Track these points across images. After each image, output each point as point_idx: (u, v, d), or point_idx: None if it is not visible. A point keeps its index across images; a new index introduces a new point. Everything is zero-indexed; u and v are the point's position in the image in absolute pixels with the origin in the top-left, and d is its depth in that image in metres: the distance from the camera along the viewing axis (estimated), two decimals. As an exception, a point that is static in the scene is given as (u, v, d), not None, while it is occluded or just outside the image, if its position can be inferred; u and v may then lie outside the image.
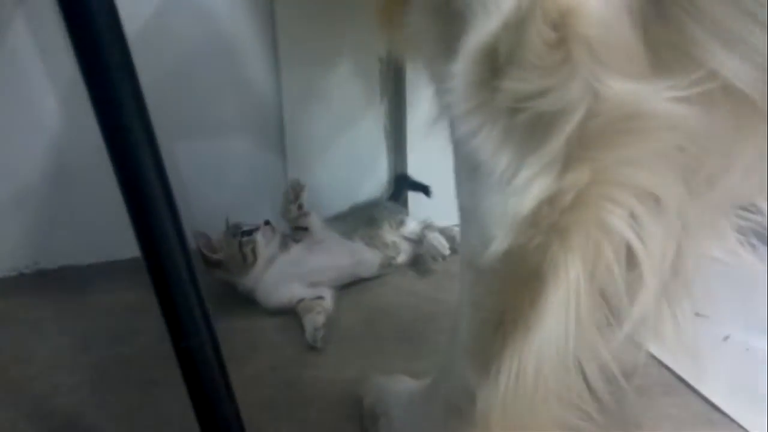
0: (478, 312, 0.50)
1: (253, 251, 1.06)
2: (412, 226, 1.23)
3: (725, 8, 0.37)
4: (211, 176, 1.28)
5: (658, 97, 0.37)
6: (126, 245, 1.20)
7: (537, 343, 0.44)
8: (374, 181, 1.37)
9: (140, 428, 0.80)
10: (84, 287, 1.17)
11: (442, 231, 1.23)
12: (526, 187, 0.40)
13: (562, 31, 0.36)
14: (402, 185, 1.33)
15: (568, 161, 0.39)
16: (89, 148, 1.16)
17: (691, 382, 0.82)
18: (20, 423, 0.82)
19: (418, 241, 1.22)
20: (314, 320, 0.98)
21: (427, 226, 1.24)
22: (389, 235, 1.20)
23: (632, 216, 0.41)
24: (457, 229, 1.22)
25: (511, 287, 0.45)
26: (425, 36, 0.50)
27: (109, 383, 0.89)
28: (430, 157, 1.27)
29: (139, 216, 0.53)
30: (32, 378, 0.91)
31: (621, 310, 0.44)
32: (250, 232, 1.07)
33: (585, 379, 0.48)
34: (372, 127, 1.34)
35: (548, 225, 0.41)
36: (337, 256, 1.12)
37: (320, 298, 1.04)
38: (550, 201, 0.40)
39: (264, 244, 1.08)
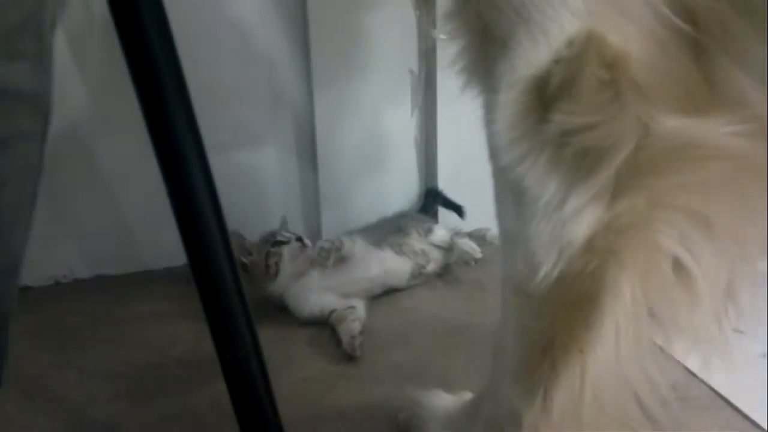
0: (527, 335, 0.49)
1: (277, 264, 1.06)
2: (440, 234, 1.22)
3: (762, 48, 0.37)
4: (242, 187, 1.28)
5: (713, 131, 0.38)
6: (160, 255, 1.23)
7: (594, 368, 0.44)
8: (405, 194, 1.37)
9: (177, 438, 0.81)
10: (119, 297, 1.18)
11: (471, 234, 1.23)
12: (576, 216, 0.40)
13: (614, 72, 0.38)
14: (433, 200, 1.33)
15: (618, 189, 0.40)
16: (127, 158, 1.18)
17: (731, 398, 0.81)
18: (58, 431, 0.83)
19: (447, 249, 1.21)
20: (350, 329, 0.98)
21: (456, 233, 1.23)
22: (418, 243, 1.19)
23: (686, 238, 0.41)
24: (485, 229, 1.23)
25: (561, 311, 0.45)
26: (470, 49, 0.50)
27: (146, 392, 0.89)
28: (460, 169, 1.27)
29: (187, 227, 0.54)
30: (69, 386, 0.92)
31: (672, 329, 0.44)
32: (280, 244, 1.08)
33: (638, 399, 0.48)
34: (403, 140, 1.34)
35: (603, 249, 0.41)
36: (367, 266, 1.12)
37: (352, 307, 1.04)
38: (603, 227, 0.41)
39: (289, 259, 1.08)
